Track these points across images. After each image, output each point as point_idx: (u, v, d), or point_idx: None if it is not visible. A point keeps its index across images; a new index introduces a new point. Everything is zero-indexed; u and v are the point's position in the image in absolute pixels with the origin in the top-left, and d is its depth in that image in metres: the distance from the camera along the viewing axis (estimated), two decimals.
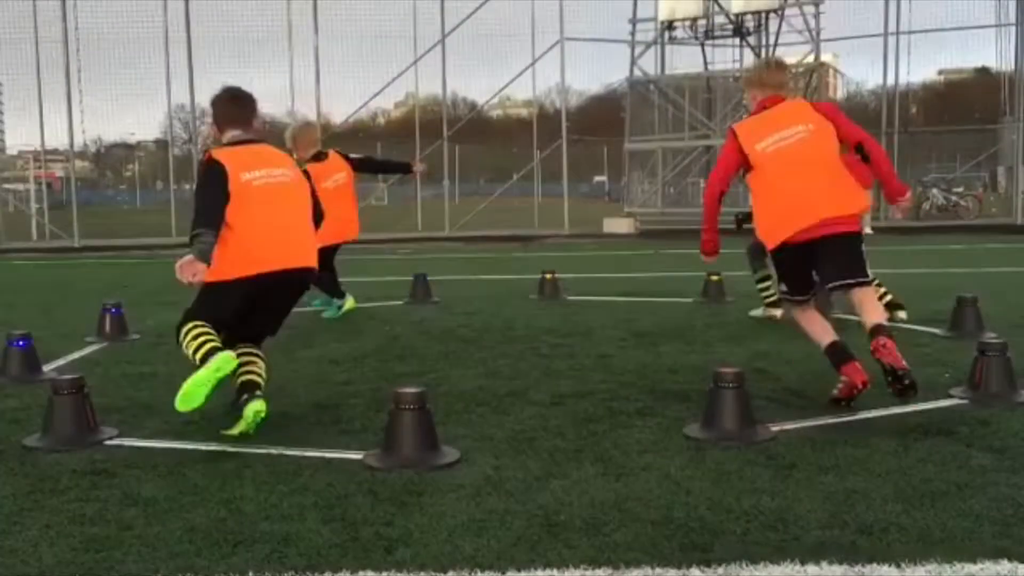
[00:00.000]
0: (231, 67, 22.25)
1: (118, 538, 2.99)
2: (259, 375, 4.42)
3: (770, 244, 4.87)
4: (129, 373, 5.69)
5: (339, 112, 25.96)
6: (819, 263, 4.75)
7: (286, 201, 4.51)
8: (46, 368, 5.71)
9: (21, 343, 5.56)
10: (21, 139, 31.00)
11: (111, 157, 52.44)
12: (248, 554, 2.84)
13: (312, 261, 4.65)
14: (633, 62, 21.55)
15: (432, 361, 5.95)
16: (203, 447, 4.01)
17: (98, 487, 3.49)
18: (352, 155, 8.30)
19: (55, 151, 24.34)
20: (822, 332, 4.76)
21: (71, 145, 21.18)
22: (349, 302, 8.04)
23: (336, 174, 7.89)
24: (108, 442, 4.09)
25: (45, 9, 20.78)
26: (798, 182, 4.70)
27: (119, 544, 2.94)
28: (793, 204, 4.70)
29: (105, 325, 7.03)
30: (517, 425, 4.29)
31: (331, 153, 8.11)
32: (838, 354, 4.57)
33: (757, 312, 7.73)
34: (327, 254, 7.09)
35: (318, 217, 4.80)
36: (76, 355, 6.35)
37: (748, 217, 5.55)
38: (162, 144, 34.63)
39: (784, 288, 4.95)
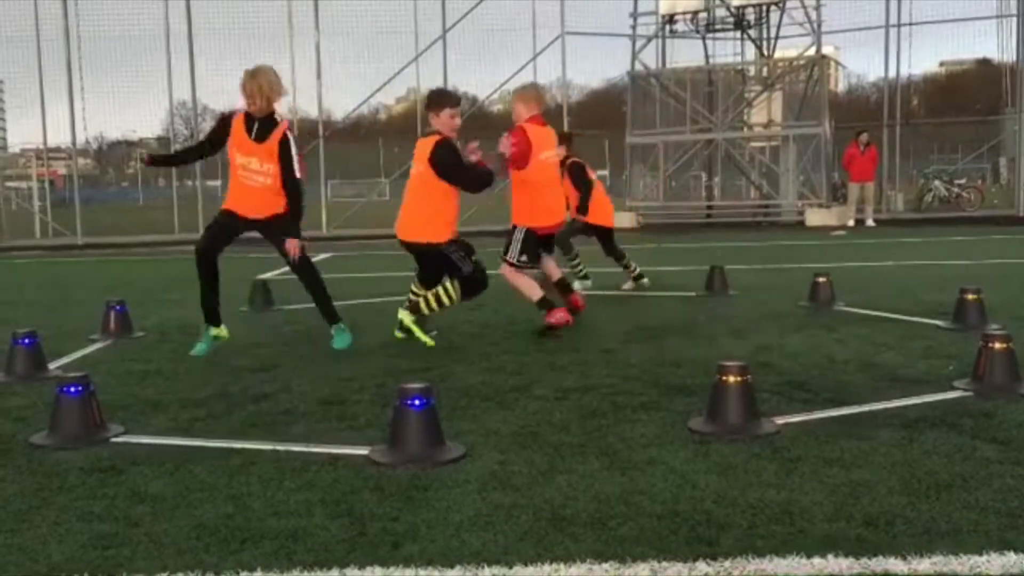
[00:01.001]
0: (233, 63, 22.24)
1: (126, 535, 3.00)
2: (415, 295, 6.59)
3: (532, 224, 6.96)
4: (134, 370, 5.70)
5: (341, 108, 25.95)
6: (543, 244, 7.26)
7: (408, 188, 6.37)
8: (51, 366, 5.72)
9: (26, 341, 5.57)
10: (23, 137, 31.05)
11: (113, 154, 52.49)
12: (256, 550, 2.86)
13: (406, 235, 6.36)
14: (634, 56, 21.52)
15: (435, 356, 5.96)
16: (209, 444, 4.03)
17: (105, 484, 3.50)
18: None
19: (57, 148, 24.36)
20: (533, 286, 6.90)
21: (73, 142, 21.20)
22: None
23: None
24: (114, 439, 4.11)
25: (46, 6, 20.79)
26: (556, 191, 7.18)
27: (127, 541, 2.95)
28: (554, 205, 7.07)
29: (109, 322, 7.05)
30: (522, 420, 4.30)
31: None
32: (547, 302, 6.79)
33: (628, 285, 8.98)
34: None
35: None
36: (81, 353, 6.37)
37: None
38: (164, 141, 34.65)
39: (525, 258, 6.98)
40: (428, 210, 6.27)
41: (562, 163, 8.78)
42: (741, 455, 3.67)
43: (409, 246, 6.40)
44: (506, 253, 6.99)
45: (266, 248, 7.09)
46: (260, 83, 6.09)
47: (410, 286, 6.74)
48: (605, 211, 9.29)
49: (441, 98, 6.37)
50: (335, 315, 6.33)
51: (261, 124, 6.05)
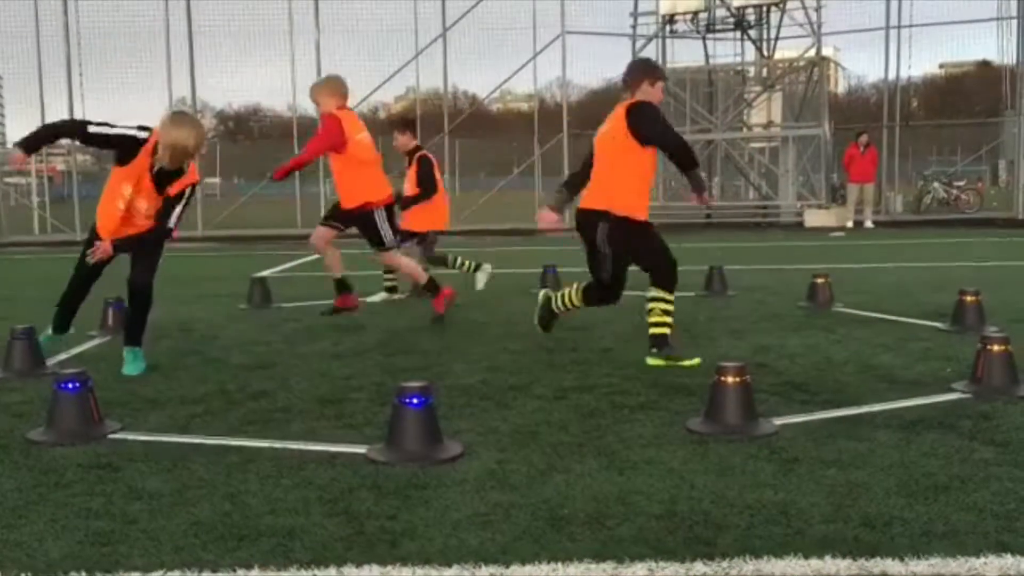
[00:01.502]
0: (232, 61, 22.29)
1: (123, 532, 2.99)
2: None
3: (376, 199, 7.13)
4: None
5: None
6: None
7: (596, 159, 5.80)
8: (49, 362, 5.71)
9: (25, 337, 5.56)
10: (22, 132, 31.04)
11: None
12: (253, 548, 2.85)
13: (586, 202, 5.74)
14: (634, 56, 21.51)
15: (435, 355, 5.96)
16: (207, 441, 4.02)
17: (103, 481, 3.50)
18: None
19: (56, 145, 24.32)
20: (417, 269, 7.56)
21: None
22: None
23: None
24: (112, 436, 4.10)
25: (46, 3, 20.78)
26: (379, 168, 7.29)
27: (124, 538, 2.95)
28: (383, 180, 7.27)
29: (108, 319, 7.04)
30: (520, 419, 4.30)
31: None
32: (434, 284, 7.41)
33: (377, 298, 8.60)
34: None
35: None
36: (79, 349, 6.36)
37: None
38: None
39: (397, 236, 7.44)
40: (620, 179, 5.58)
41: (411, 153, 8.77)
42: (739, 455, 3.67)
43: (586, 214, 5.66)
44: (380, 244, 7.17)
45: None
46: (176, 138, 5.18)
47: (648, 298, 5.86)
48: (439, 216, 8.90)
49: (655, 69, 5.89)
50: (140, 339, 5.61)
51: (166, 174, 5.32)
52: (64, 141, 6.24)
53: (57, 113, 20.87)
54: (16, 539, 2.96)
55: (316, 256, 7.72)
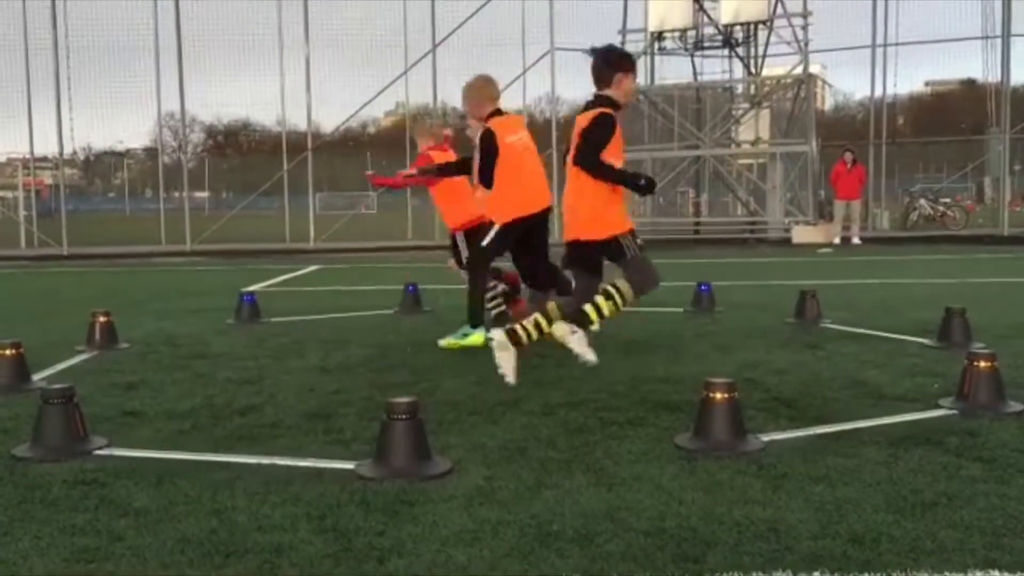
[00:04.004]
0: (222, 75, 22.28)
1: (109, 549, 2.97)
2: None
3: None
4: (119, 382, 5.66)
5: (330, 121, 25.95)
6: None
7: None
8: (36, 377, 5.68)
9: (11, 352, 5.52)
10: (10, 146, 30.96)
11: (100, 165, 52.43)
12: (240, 565, 2.84)
13: None
14: None
15: (423, 370, 5.95)
16: (193, 457, 4.00)
17: (88, 497, 3.47)
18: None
19: (44, 158, 24.27)
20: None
21: (60, 152, 21.14)
22: None
23: None
24: (98, 452, 4.07)
25: (35, 16, 20.77)
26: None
27: (110, 555, 2.92)
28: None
29: (95, 334, 7.00)
30: (508, 435, 4.29)
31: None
32: None
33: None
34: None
35: None
36: (66, 364, 6.33)
37: None
38: (151, 152, 34.65)
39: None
40: None
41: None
42: (727, 472, 3.67)
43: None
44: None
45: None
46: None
47: None
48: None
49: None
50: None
51: None
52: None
53: (46, 127, 20.86)
54: (1, 556, 2.93)
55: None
